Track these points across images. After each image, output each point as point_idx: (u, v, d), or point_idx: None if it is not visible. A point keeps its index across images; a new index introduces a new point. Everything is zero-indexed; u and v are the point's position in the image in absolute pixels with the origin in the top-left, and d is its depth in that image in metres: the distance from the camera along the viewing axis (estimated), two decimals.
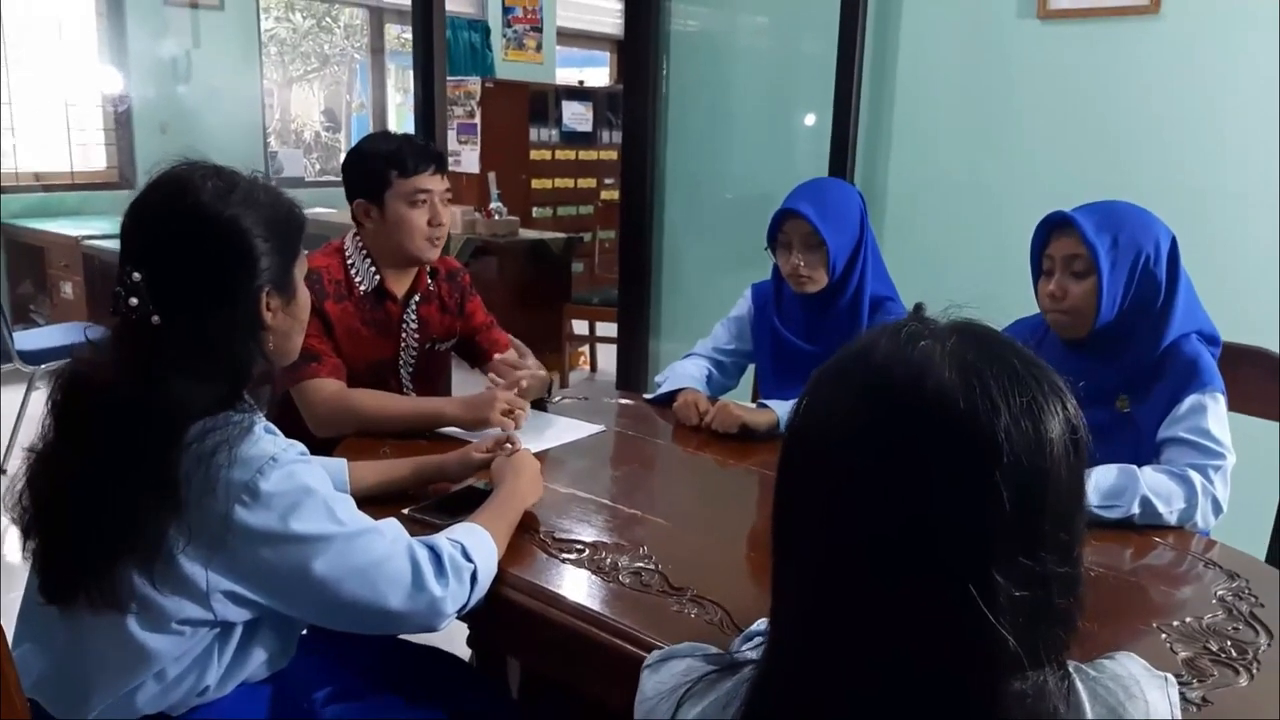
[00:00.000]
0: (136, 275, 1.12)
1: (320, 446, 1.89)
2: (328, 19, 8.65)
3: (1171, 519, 1.54)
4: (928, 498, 0.65)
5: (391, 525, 1.22)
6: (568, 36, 8.16)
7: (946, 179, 3.04)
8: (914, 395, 0.66)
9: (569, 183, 6.90)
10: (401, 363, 2.19)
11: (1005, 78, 2.88)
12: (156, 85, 5.77)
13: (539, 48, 7.72)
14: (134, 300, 1.12)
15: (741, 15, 3.53)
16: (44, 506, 1.11)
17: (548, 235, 5.45)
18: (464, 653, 1.64)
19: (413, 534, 1.32)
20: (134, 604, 1.08)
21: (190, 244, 1.14)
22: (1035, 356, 0.70)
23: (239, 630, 1.17)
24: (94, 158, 5.76)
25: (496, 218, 5.18)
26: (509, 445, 1.60)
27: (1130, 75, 2.65)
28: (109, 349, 1.16)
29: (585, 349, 5.43)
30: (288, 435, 2.03)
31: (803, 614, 0.72)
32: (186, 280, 1.14)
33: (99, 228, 5.09)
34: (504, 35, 7.57)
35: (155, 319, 1.12)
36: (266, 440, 1.13)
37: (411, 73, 8.70)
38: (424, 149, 2.09)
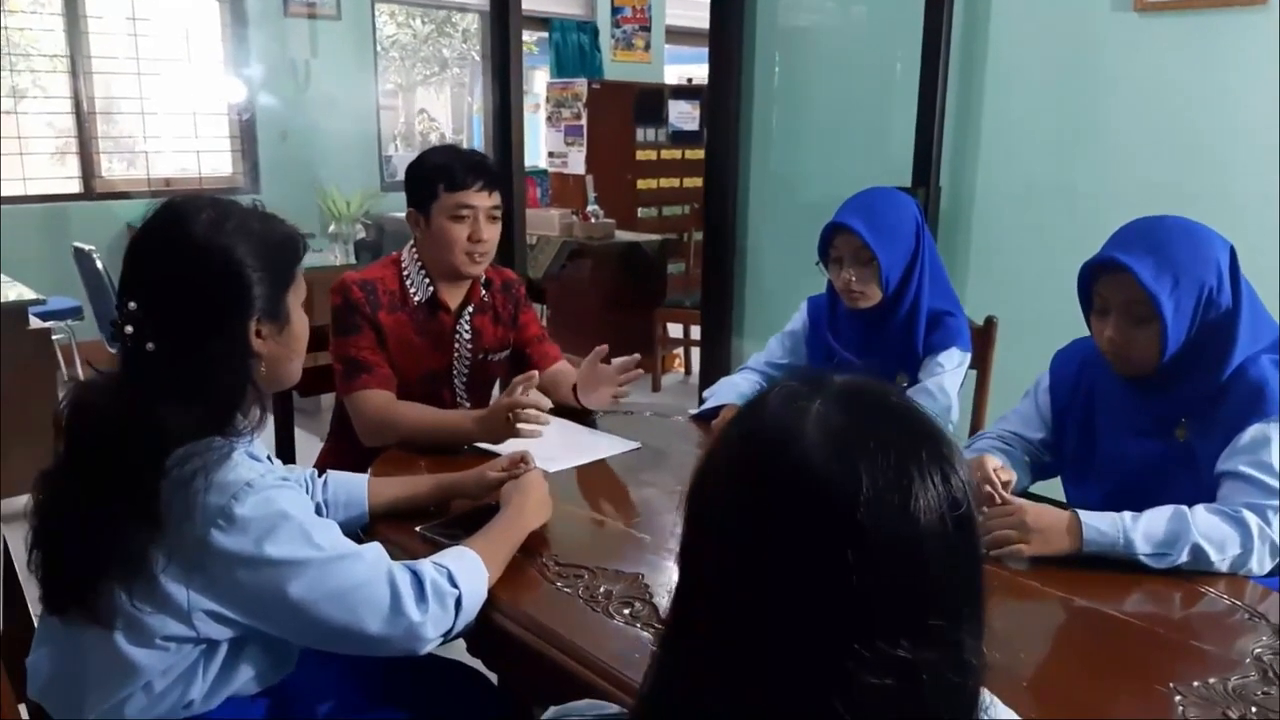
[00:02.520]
0: (132, 305, 1.17)
1: (369, 455, 1.95)
2: (448, 25, 8.88)
3: (1224, 566, 1.41)
4: (781, 568, 0.62)
5: (373, 549, 1.23)
6: (677, 34, 8.13)
7: (1037, 182, 2.89)
8: (778, 459, 0.63)
9: (674, 182, 6.89)
10: (455, 373, 2.22)
11: (1100, 75, 2.72)
12: (277, 94, 6.05)
13: (647, 47, 7.73)
14: (129, 328, 1.17)
15: (827, 14, 3.44)
16: (45, 521, 1.17)
17: (642, 238, 5.46)
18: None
19: (424, 553, 1.34)
20: (120, 619, 1.13)
21: (181, 273, 1.18)
22: (926, 425, 0.65)
23: (224, 647, 1.20)
24: (220, 164, 6.08)
25: (593, 220, 5.21)
26: (524, 464, 1.60)
27: (1235, 71, 2.46)
28: (113, 374, 1.21)
29: (680, 352, 5.41)
30: (346, 442, 2.12)
31: (677, 650, 0.70)
32: (177, 308, 1.18)
33: None
34: (613, 36, 7.62)
35: (150, 346, 1.17)
36: (244, 466, 1.15)
37: (531, 73, 8.82)
38: (476, 164, 2.10)
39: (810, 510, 0.61)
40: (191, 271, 1.18)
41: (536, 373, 1.92)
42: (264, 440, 1.24)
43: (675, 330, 5.25)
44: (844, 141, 3.36)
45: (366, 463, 1.88)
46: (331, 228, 4.57)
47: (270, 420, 2.37)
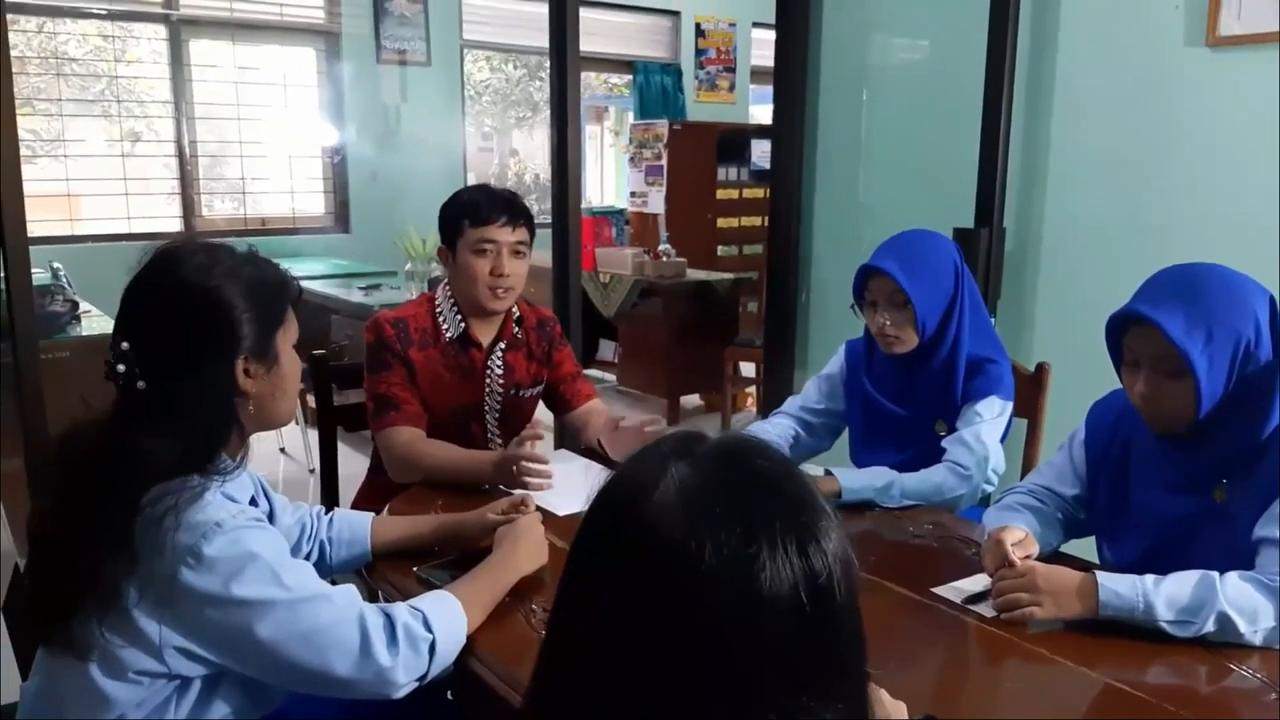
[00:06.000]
0: (125, 345, 1.21)
1: (398, 490, 1.98)
2: (541, 70, 9.08)
3: (1256, 639, 1.30)
4: (624, 629, 0.59)
5: (345, 592, 1.23)
6: (763, 75, 8.13)
7: (1106, 222, 2.77)
8: (627, 517, 0.61)
9: (756, 220, 6.82)
10: (487, 408, 2.23)
11: (1172, 111, 2.60)
12: (368, 137, 6.26)
13: (732, 88, 7.76)
14: (121, 367, 1.20)
15: (892, 51, 3.39)
16: (34, 552, 1.21)
17: (715, 276, 5.43)
18: None
19: (419, 594, 1.34)
20: (95, 652, 1.15)
21: (169, 314, 1.22)
22: (793, 492, 0.61)
23: (197, 684, 1.21)
24: (313, 204, 6.32)
25: (664, 259, 5.22)
26: (524, 507, 1.59)
27: None
28: (106, 411, 1.25)
29: (753, 390, 5.35)
30: (383, 477, 2.14)
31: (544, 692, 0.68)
32: (166, 348, 1.21)
33: (313, 269, 5.53)
34: (696, 77, 7.66)
35: (140, 385, 1.20)
36: (215, 506, 1.17)
37: (625, 114, 8.92)
38: (501, 201, 2.12)
39: (651, 574, 0.58)
40: (179, 311, 1.22)
41: (541, 430, 1.96)
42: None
43: (749, 370, 5.20)
44: (910, 178, 3.29)
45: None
46: (408, 265, 4.69)
47: (317, 453, 2.45)
